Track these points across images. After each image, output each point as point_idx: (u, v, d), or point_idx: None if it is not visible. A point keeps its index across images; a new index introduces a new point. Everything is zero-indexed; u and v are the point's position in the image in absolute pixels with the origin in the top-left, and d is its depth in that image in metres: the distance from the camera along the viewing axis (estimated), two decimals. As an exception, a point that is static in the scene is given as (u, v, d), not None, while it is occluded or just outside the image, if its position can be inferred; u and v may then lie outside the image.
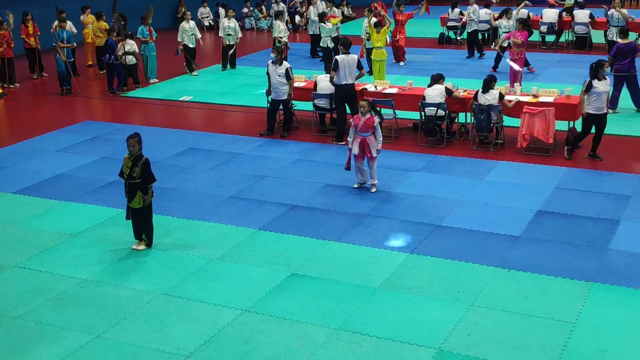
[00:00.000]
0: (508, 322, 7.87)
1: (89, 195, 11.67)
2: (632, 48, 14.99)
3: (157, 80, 19.30)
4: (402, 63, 20.67)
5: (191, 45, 19.91)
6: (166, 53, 21.33)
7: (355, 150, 11.19)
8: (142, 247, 9.75)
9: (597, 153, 12.61)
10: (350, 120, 11.48)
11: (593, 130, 12.56)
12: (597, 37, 21.76)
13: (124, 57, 18.11)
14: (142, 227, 9.71)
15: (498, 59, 18.96)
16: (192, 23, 20.04)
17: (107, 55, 18.09)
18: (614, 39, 18.41)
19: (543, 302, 8.23)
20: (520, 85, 14.32)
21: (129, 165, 9.41)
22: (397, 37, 20.49)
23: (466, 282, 8.71)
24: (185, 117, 16.18)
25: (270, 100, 14.45)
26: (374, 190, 11.44)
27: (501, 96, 13.03)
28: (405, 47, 20.85)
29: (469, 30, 21.52)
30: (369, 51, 18.46)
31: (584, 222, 10.24)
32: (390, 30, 18.44)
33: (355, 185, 11.55)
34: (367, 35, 18.80)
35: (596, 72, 12.31)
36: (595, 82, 12.22)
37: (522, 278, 8.78)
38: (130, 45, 18.34)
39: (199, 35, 20.15)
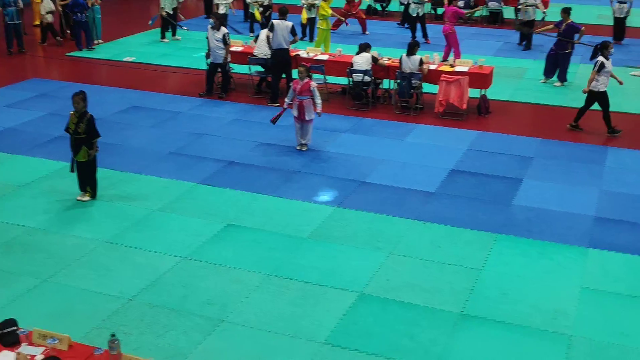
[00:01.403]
0: (422, 269, 8.06)
1: (36, 149, 11.34)
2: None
3: (102, 41, 18.71)
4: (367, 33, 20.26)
5: (171, 12, 19.05)
6: (111, 16, 20.70)
7: (295, 112, 11.15)
8: (86, 198, 9.58)
9: (615, 128, 12.32)
10: (290, 84, 11.43)
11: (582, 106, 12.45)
12: (508, 13, 22.04)
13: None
14: (87, 180, 9.52)
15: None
16: None
17: (79, 14, 17.52)
18: (524, 17, 18.50)
19: (453, 251, 8.44)
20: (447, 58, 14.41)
21: (75, 122, 9.18)
22: (352, 11, 20.07)
23: (386, 233, 8.86)
24: (128, 77, 15.78)
25: (209, 63, 14.23)
26: (305, 149, 11.45)
27: (421, 62, 13.14)
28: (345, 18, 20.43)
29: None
30: (312, 20, 18.20)
31: (491, 180, 10.49)
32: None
33: (298, 147, 11.48)
34: (308, 4, 18.36)
35: (603, 52, 12.08)
36: (605, 62, 11.98)
37: (436, 229, 8.98)
38: (49, 4, 18.30)
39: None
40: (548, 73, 15.38)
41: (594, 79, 12.06)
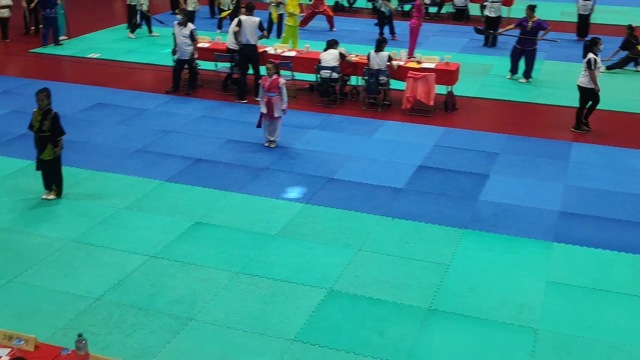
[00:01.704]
0: (391, 265, 8.11)
1: (-1, 147, 11.18)
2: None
3: (66, 38, 18.47)
4: (334, 29, 20.24)
5: (147, 8, 18.87)
6: (76, 11, 20.43)
7: (264, 109, 11.14)
8: (52, 196, 9.46)
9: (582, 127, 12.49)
10: (259, 82, 11.40)
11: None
12: (474, 9, 22.25)
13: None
14: (52, 178, 9.40)
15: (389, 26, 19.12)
16: None
17: (48, 10, 17.31)
18: (490, 13, 18.59)
19: (421, 247, 8.51)
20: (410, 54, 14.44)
21: (39, 119, 9.06)
22: (319, 8, 20.03)
23: (355, 229, 8.90)
24: (94, 74, 15.60)
25: (175, 59, 14.13)
26: (273, 146, 11.44)
27: (390, 58, 13.20)
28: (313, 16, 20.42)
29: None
30: (280, 16, 18.23)
31: (458, 176, 10.59)
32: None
33: (266, 144, 11.47)
34: (276, 1, 18.31)
35: (593, 49, 12.09)
36: (597, 59, 11.98)
37: (404, 225, 9.04)
38: None
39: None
40: (513, 70, 15.57)
41: (593, 76, 12.04)
